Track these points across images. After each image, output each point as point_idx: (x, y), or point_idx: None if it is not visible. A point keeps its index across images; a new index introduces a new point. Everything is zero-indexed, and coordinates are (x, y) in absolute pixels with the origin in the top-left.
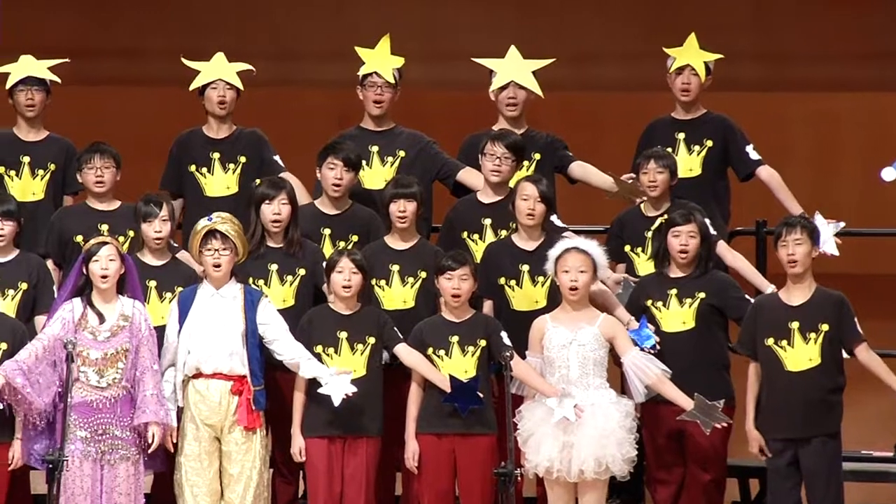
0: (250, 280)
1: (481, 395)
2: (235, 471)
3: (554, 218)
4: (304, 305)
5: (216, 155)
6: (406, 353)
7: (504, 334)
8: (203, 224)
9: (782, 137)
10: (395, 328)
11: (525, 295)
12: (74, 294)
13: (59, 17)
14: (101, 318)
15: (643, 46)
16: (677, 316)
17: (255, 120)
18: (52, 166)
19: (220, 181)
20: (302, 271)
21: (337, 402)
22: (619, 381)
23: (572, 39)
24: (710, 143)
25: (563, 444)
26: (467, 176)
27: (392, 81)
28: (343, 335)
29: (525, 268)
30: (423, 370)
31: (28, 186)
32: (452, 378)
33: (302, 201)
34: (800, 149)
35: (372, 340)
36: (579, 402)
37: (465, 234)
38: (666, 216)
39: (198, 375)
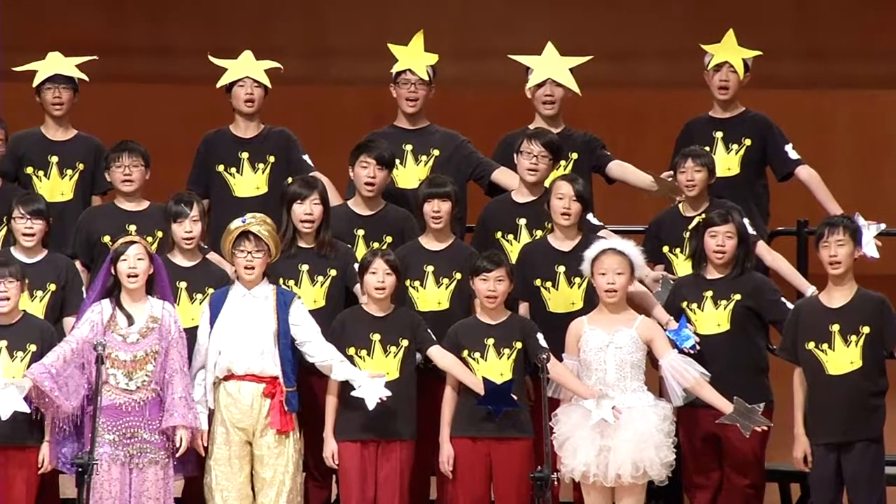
0: (281, 280)
1: (515, 397)
2: (268, 475)
3: (591, 216)
4: (335, 307)
5: (244, 155)
6: (440, 355)
7: (540, 336)
8: (236, 225)
9: (823, 136)
10: (429, 330)
11: (561, 296)
12: (103, 295)
13: (87, 13)
14: (130, 320)
15: (683, 43)
16: (712, 318)
17: (287, 119)
18: (81, 166)
19: (249, 181)
20: (333, 272)
21: (371, 405)
22: (656, 384)
23: (611, 36)
24: (748, 142)
25: (599, 448)
26: (502, 176)
27: (426, 79)
28: (376, 337)
29: (561, 269)
30: (456, 373)
31: (56, 186)
32: (486, 380)
33: (333, 202)
34: (841, 148)
35: (405, 342)
36: (617, 405)
37: (499, 235)
38: (704, 216)
39: (229, 377)
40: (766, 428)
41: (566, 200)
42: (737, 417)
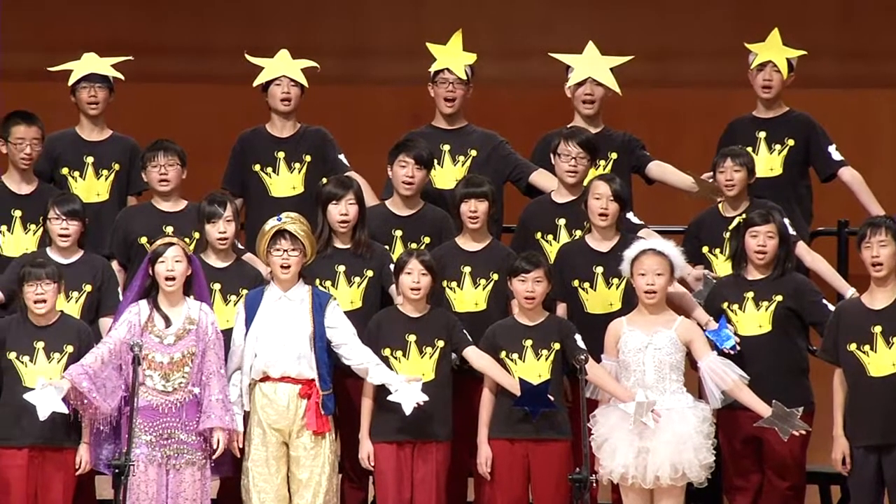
0: (317, 281)
1: (552, 398)
2: (304, 476)
3: (630, 215)
4: (372, 308)
5: (281, 154)
6: (476, 356)
7: (578, 337)
8: (272, 224)
9: (865, 136)
10: (465, 331)
11: (599, 297)
12: (140, 296)
13: (122, 12)
14: (168, 322)
15: (723, 42)
16: (753, 319)
17: (325, 118)
18: (116, 166)
19: (285, 181)
20: (370, 273)
21: (408, 411)
22: (695, 386)
23: (650, 35)
24: (791, 143)
25: (638, 450)
26: (540, 178)
27: (464, 78)
28: (412, 338)
29: (599, 269)
30: (493, 374)
31: (92, 187)
32: (522, 381)
33: (369, 202)
34: (885, 149)
35: (441, 343)
36: (656, 407)
37: (538, 235)
38: (744, 216)
39: (265, 379)
40: (804, 432)
41: (603, 200)
42: (775, 421)
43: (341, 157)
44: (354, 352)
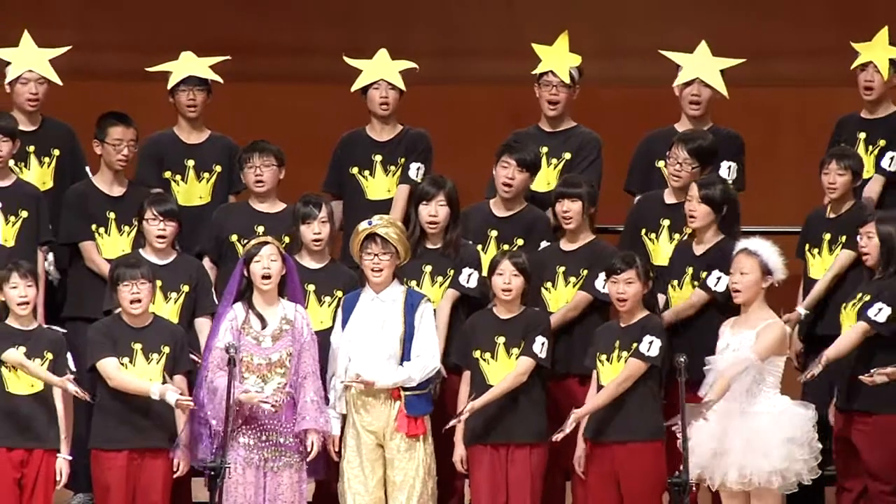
0: (404, 281)
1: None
2: (398, 478)
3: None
4: (456, 307)
5: (378, 157)
6: (526, 367)
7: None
8: (363, 227)
9: None
10: (545, 332)
11: (683, 298)
12: (236, 298)
13: (219, 12)
14: (263, 323)
15: (824, 41)
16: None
17: (420, 118)
18: (218, 168)
19: (381, 184)
20: (452, 273)
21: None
22: (796, 388)
23: (750, 34)
24: (882, 143)
25: (713, 452)
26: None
27: (567, 81)
28: (500, 340)
29: (689, 270)
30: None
31: (193, 190)
32: None
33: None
34: None
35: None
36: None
37: (643, 233)
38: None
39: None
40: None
41: (693, 202)
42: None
43: (415, 165)
44: (415, 351)
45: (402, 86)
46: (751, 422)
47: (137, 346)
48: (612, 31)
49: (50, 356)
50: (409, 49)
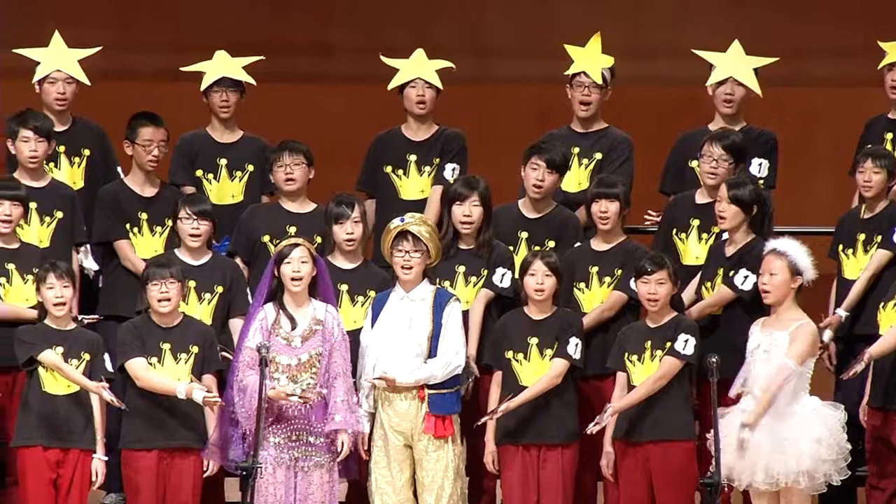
0: (437, 281)
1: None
2: (427, 479)
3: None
4: (489, 308)
5: (413, 157)
6: (561, 369)
7: (573, 340)
8: (395, 224)
9: None
10: (577, 334)
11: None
12: (267, 298)
13: (251, 12)
14: (294, 323)
15: (857, 40)
16: None
17: (453, 117)
18: (250, 167)
19: (415, 184)
20: (486, 273)
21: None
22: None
23: (782, 34)
24: None
25: (743, 453)
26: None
27: (600, 82)
28: (533, 341)
29: (720, 271)
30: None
31: (226, 189)
32: None
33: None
34: None
35: (557, 346)
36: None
37: (674, 232)
38: None
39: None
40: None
41: (722, 203)
42: None
43: (450, 166)
44: (440, 349)
45: (439, 84)
46: (779, 422)
47: (166, 346)
48: (642, 30)
49: (87, 357)
50: (436, 49)
